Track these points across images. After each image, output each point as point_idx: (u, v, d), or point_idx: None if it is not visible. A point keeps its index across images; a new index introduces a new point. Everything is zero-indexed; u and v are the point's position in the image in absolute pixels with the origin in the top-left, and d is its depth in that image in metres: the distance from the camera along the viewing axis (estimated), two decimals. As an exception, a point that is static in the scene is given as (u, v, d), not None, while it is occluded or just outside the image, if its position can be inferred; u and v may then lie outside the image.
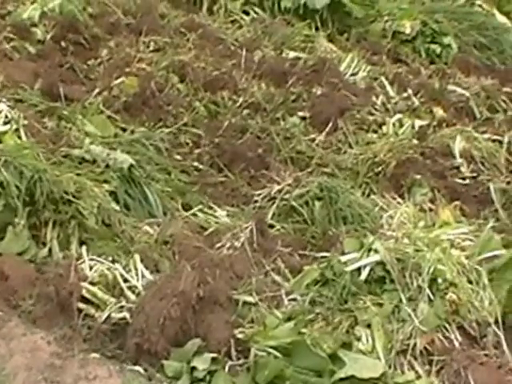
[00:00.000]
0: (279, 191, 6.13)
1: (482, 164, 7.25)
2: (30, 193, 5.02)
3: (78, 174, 5.37)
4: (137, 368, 4.28)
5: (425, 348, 4.56)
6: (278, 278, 5.10)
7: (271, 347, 4.29)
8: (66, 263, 4.71)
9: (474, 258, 5.05)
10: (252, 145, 6.93)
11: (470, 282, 4.87)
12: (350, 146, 7.37)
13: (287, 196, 6.08)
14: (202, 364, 4.28)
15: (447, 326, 4.68)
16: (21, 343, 4.25)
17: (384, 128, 7.72)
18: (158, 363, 4.32)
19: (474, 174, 7.14)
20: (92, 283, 4.67)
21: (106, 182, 5.52)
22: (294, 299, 4.86)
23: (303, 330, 4.44)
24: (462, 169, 7.18)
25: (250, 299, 4.79)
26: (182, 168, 6.48)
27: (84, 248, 4.95)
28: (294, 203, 6.00)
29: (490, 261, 5.02)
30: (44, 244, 5.02)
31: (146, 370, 4.28)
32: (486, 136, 7.71)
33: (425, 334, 4.60)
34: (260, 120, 7.50)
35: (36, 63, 7.54)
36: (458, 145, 7.41)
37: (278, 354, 4.25)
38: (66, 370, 4.12)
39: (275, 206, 6.03)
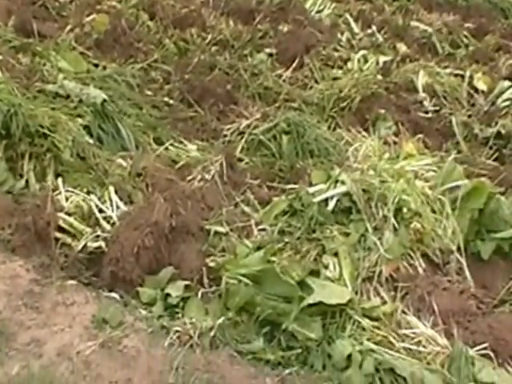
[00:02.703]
0: (248, 126, 6.13)
1: (445, 98, 7.30)
2: (6, 126, 5.00)
3: (52, 109, 5.34)
4: (113, 295, 4.31)
5: (390, 275, 4.62)
6: (247, 209, 5.14)
7: (242, 275, 4.32)
8: (43, 194, 4.71)
9: (437, 188, 5.10)
10: (221, 81, 6.90)
11: (434, 212, 4.93)
12: (316, 82, 7.35)
13: (255, 130, 6.07)
14: (175, 291, 4.33)
15: (411, 253, 4.74)
16: (0, 270, 4.28)
17: (349, 64, 7.71)
18: (133, 290, 4.36)
19: (437, 108, 7.19)
20: (68, 214, 4.68)
21: (79, 116, 5.48)
22: (264, 229, 4.89)
23: (272, 259, 4.47)
24: (425, 103, 7.22)
25: (220, 229, 4.83)
26: (153, 103, 6.45)
27: (60, 180, 4.95)
28: (262, 137, 6.00)
29: (452, 191, 5.07)
30: (21, 176, 5.02)
31: (121, 296, 4.31)
32: (448, 71, 7.77)
33: (390, 262, 4.65)
34: (228, 56, 7.51)
35: (9, 1, 7.44)
36: (421, 80, 7.45)
37: (248, 282, 4.28)
38: (45, 296, 4.16)
39: (244, 140, 6.03)
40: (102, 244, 4.53)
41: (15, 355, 3.77)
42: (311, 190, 5.04)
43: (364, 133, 6.42)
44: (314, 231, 4.81)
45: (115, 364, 3.84)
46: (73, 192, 4.84)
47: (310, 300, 4.17)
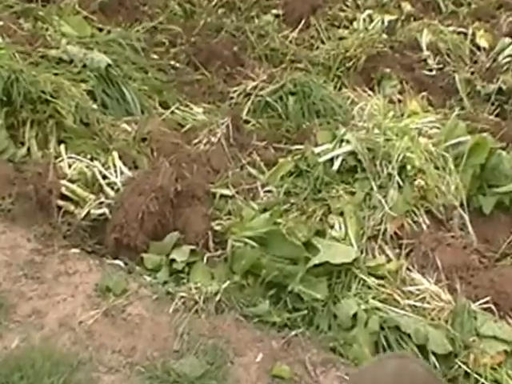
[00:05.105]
0: (254, 87, 5.85)
1: (448, 56, 7.04)
2: (7, 93, 4.69)
3: (55, 74, 5.04)
4: (116, 262, 4.06)
5: (395, 232, 4.45)
6: (253, 171, 4.91)
7: (248, 238, 4.09)
8: (45, 162, 4.44)
9: (440, 145, 4.91)
10: (227, 43, 6.59)
11: (437, 168, 4.75)
12: (322, 42, 7.06)
13: (262, 92, 5.79)
14: (180, 256, 4.09)
15: (416, 210, 4.57)
16: (0, 241, 4.00)
17: (355, 24, 7.41)
18: (138, 257, 4.12)
19: (441, 66, 6.93)
20: (71, 181, 4.41)
21: (83, 81, 5.17)
22: (270, 191, 4.68)
23: (278, 220, 4.24)
24: (429, 61, 6.95)
25: (226, 192, 4.59)
26: (158, 67, 6.13)
27: (62, 146, 4.66)
28: (268, 99, 5.73)
29: (455, 147, 4.89)
30: (22, 144, 4.71)
31: (125, 263, 4.07)
32: (452, 29, 7.48)
33: (395, 220, 4.47)
34: (235, 18, 7.18)
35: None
36: (425, 38, 7.18)
37: (254, 244, 4.06)
38: (46, 266, 3.90)
39: (250, 101, 5.75)
40: (106, 211, 4.26)
41: (15, 328, 3.53)
42: (317, 150, 4.82)
43: (369, 92, 6.19)
44: (319, 191, 4.62)
45: (119, 332, 3.60)
46: (76, 159, 4.56)
47: (316, 260, 3.98)
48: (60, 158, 4.54)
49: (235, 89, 5.93)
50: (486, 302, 4.03)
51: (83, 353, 3.43)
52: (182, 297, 3.82)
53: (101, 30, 6.29)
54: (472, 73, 6.92)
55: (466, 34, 7.43)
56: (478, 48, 7.30)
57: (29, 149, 4.68)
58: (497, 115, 6.38)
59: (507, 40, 7.27)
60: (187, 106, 5.66)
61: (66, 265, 3.91)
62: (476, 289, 4.13)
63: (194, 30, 6.71)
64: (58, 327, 3.56)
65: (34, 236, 4.07)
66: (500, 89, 6.62)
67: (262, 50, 6.68)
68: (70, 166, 4.49)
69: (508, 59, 7.01)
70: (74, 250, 4.05)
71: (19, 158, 4.63)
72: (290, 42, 6.98)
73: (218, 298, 3.84)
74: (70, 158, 4.55)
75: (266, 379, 3.54)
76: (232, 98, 5.86)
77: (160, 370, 3.44)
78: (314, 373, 3.60)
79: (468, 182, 4.76)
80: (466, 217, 4.64)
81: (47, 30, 5.84)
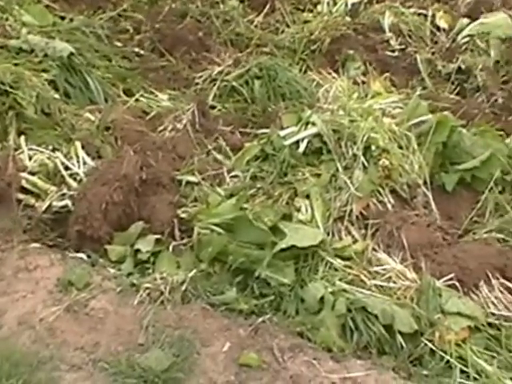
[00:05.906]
0: (220, 72, 5.58)
1: (409, 37, 6.79)
2: (-37, 85, 4.39)
3: (15, 65, 4.71)
4: (79, 255, 3.77)
5: (360, 213, 4.25)
6: (219, 157, 4.64)
7: (214, 224, 3.85)
8: (4, 154, 4.12)
9: (403, 124, 4.71)
10: (192, 28, 6.25)
11: (401, 148, 4.55)
12: (287, 26, 6.79)
13: (228, 77, 5.53)
14: (145, 246, 3.82)
15: (380, 190, 4.37)
16: (-46, 239, 3.71)
17: (319, 7, 7.13)
18: (101, 249, 3.83)
19: (403, 47, 6.68)
20: (32, 173, 4.11)
21: (44, 71, 4.84)
22: (236, 176, 4.42)
23: (245, 206, 4.01)
24: (392, 42, 6.71)
25: (192, 179, 4.32)
26: (122, 54, 5.80)
27: (22, 138, 4.35)
28: (234, 83, 5.47)
29: (418, 126, 4.70)
30: (-21, 137, 4.40)
31: (89, 256, 3.78)
32: (412, 10, 7.21)
33: (360, 200, 4.27)
34: (200, 4, 6.79)
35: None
36: (387, 20, 6.92)
37: (220, 231, 3.82)
38: (5, 263, 3.60)
39: (216, 87, 5.48)
40: (68, 203, 3.95)
41: (-29, 329, 3.24)
42: (282, 133, 4.57)
43: (334, 74, 5.94)
44: (285, 175, 4.38)
45: (81, 328, 3.31)
46: (37, 150, 4.25)
47: (283, 244, 3.75)
48: (20, 150, 4.23)
49: (201, 74, 5.64)
50: (450, 279, 3.85)
51: (44, 351, 3.15)
52: (147, 288, 3.55)
53: (63, 18, 5.92)
54: (433, 53, 6.71)
55: (426, 16, 7.18)
56: (438, 29, 7.06)
57: (-14, 142, 4.36)
58: (457, 94, 6.19)
59: (465, 20, 7.03)
60: (152, 92, 5.37)
61: (26, 260, 3.61)
62: (440, 266, 3.95)
63: (159, 17, 6.37)
64: (18, 326, 3.27)
65: (-8, 232, 3.78)
66: (459, 68, 6.43)
67: (227, 35, 6.39)
68: (30, 158, 4.18)
69: (466, 39, 6.79)
70: (34, 245, 3.75)
71: (-24, 152, 4.31)
72: (256, 26, 6.69)
73: (184, 288, 3.58)
74: (31, 149, 4.24)
75: (233, 368, 3.30)
76: (197, 83, 5.57)
77: (124, 364, 3.16)
78: (282, 359, 3.37)
79: (431, 160, 4.58)
80: (430, 195, 4.46)
81: (7, 19, 5.47)
